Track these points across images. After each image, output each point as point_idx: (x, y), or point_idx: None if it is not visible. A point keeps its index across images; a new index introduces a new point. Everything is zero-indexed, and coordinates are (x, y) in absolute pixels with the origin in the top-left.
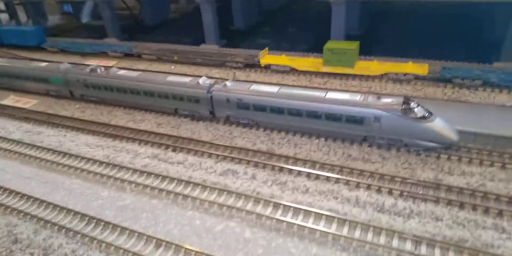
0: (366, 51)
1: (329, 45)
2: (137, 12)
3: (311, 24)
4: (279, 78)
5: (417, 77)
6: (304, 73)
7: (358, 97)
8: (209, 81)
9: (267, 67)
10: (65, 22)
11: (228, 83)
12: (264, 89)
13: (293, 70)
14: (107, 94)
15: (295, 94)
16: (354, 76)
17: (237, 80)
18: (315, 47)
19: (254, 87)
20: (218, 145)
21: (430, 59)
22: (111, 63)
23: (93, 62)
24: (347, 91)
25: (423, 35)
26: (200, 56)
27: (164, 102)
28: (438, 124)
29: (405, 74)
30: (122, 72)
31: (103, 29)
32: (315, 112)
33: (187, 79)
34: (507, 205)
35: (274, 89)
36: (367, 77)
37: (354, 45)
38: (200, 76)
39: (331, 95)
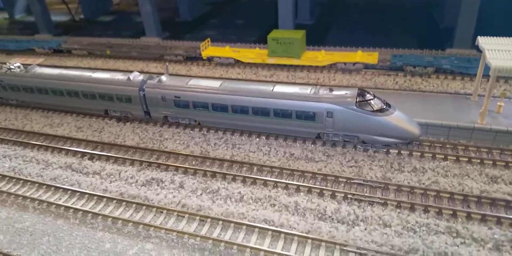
0: (317, 41)
1: (273, 34)
2: (76, 6)
3: (261, 16)
4: (222, 72)
5: (366, 67)
6: (250, 65)
7: (308, 90)
8: (141, 77)
9: (210, 59)
10: None
11: (163, 78)
12: (205, 83)
13: (238, 63)
14: (26, 96)
15: (240, 88)
16: (302, 68)
17: (175, 75)
18: (262, 40)
19: (194, 82)
20: (144, 149)
21: (381, 48)
22: (38, 60)
23: (18, 60)
24: (296, 83)
25: (375, 25)
26: (136, 50)
27: (91, 103)
28: (397, 118)
29: (354, 64)
30: (42, 70)
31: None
32: (262, 109)
33: (116, 75)
34: (461, 204)
35: (216, 83)
36: (315, 68)
37: (300, 34)
38: (132, 72)
39: (279, 88)
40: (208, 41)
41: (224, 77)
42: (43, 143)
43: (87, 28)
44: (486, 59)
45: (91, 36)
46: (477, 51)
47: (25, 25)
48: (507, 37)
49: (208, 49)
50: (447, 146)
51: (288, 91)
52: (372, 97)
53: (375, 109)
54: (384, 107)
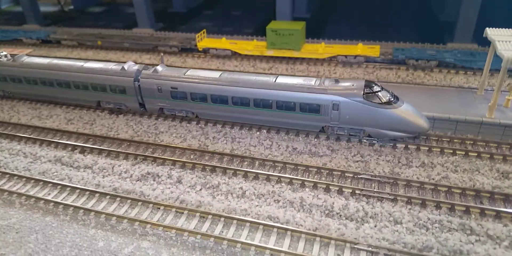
0: (314, 35)
1: (272, 25)
2: None
3: (257, 8)
4: (219, 64)
5: (368, 60)
6: (248, 57)
7: (313, 82)
8: (136, 67)
9: (206, 51)
10: None
11: (159, 68)
12: (203, 74)
13: (235, 55)
14: (14, 87)
15: (240, 79)
16: (301, 60)
17: (169, 66)
18: (259, 32)
19: (191, 72)
20: (138, 142)
21: (381, 41)
22: (26, 51)
23: (4, 50)
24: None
25: (374, 17)
26: (128, 40)
27: (83, 94)
28: (406, 110)
29: (355, 57)
30: (31, 59)
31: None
32: (264, 101)
33: (109, 65)
34: (474, 200)
35: (215, 74)
36: (315, 61)
37: (300, 26)
38: (126, 62)
39: (282, 79)
40: (204, 32)
41: (221, 69)
42: (31, 136)
43: (77, 18)
44: (497, 50)
45: (81, 27)
46: (479, 45)
47: (12, 15)
48: None
49: (204, 41)
50: (455, 140)
51: (291, 82)
52: (379, 89)
53: (383, 101)
54: (392, 99)
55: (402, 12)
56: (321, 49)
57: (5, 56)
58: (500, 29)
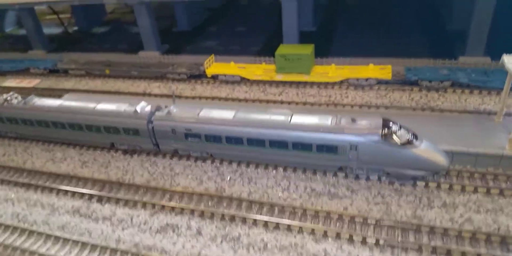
0: (321, 50)
1: (281, 50)
2: (68, 16)
3: (260, 21)
4: (229, 90)
5: (379, 81)
6: (257, 82)
7: (329, 121)
8: (148, 108)
9: (215, 77)
10: None
11: (172, 109)
12: (218, 115)
13: (244, 80)
14: (26, 129)
15: (255, 119)
16: (311, 84)
17: (179, 97)
18: (267, 49)
19: (205, 112)
20: (155, 189)
21: (390, 57)
22: (33, 82)
23: (12, 82)
24: (310, 106)
25: (381, 29)
26: (136, 68)
27: (96, 136)
28: (425, 149)
29: (367, 79)
30: (42, 101)
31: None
32: (280, 141)
33: (122, 107)
34: (500, 248)
35: (229, 114)
36: (325, 84)
37: (309, 49)
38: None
39: (297, 119)
40: (212, 58)
41: (230, 97)
42: (47, 184)
43: (82, 41)
44: None
45: (87, 51)
46: (492, 60)
47: (17, 39)
48: None
49: (213, 66)
50: (475, 175)
51: (307, 122)
52: (397, 128)
53: (402, 141)
54: (411, 139)
55: (410, 23)
56: (331, 71)
57: (16, 97)
58: None
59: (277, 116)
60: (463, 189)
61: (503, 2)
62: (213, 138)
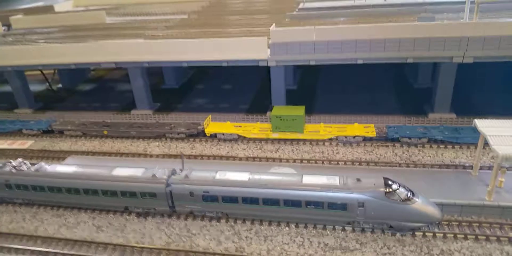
0: (305, 105)
1: (276, 112)
2: (52, 72)
3: (244, 79)
4: (228, 148)
5: (365, 138)
6: (254, 140)
7: (337, 181)
8: (166, 172)
9: (213, 135)
10: None
11: (188, 173)
12: (233, 177)
13: (240, 137)
14: (36, 195)
15: (269, 181)
16: (304, 141)
17: (188, 157)
18: (255, 107)
19: (220, 175)
20: (177, 251)
21: (365, 113)
22: (26, 143)
23: (3, 144)
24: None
25: (356, 88)
26: (134, 129)
27: (110, 200)
28: (422, 204)
29: (354, 137)
30: (54, 167)
31: (13, 96)
32: (294, 200)
33: (139, 172)
34: None
35: (244, 176)
36: (317, 141)
37: (302, 111)
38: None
39: (308, 179)
40: (209, 118)
41: (231, 155)
42: (65, 251)
43: (69, 99)
44: (490, 145)
45: (76, 110)
46: (457, 116)
47: (1, 95)
48: (504, 120)
49: (210, 126)
50: (463, 223)
51: (318, 183)
52: (397, 187)
53: (402, 198)
54: (410, 195)
55: (383, 82)
56: (321, 130)
57: (24, 163)
58: (488, 120)
59: (289, 177)
60: (455, 236)
61: (462, 69)
62: (230, 199)
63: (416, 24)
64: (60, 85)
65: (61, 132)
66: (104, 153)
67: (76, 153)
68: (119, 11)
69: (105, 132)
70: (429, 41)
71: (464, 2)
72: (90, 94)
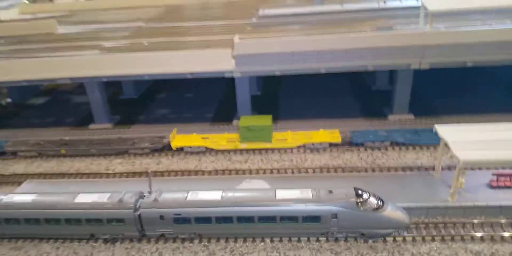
0: (269, 109)
1: (244, 122)
2: None
3: (205, 87)
4: (196, 162)
5: (331, 144)
6: (222, 151)
7: (310, 194)
8: (133, 196)
9: (179, 149)
10: None
11: (157, 196)
12: (205, 197)
13: (208, 149)
14: None
15: (243, 198)
16: (273, 150)
17: (151, 173)
18: (220, 116)
19: (192, 196)
20: None
21: (328, 117)
22: None
23: None
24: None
25: (313, 89)
26: (94, 146)
27: (75, 229)
28: (391, 211)
29: (320, 143)
30: (10, 197)
31: None
32: (268, 216)
33: (104, 197)
34: None
35: (216, 195)
36: (285, 149)
37: (269, 121)
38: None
39: (282, 194)
40: (175, 131)
41: (199, 169)
42: None
43: (21, 114)
44: (451, 152)
45: (29, 126)
46: (415, 116)
47: None
48: (463, 124)
49: (176, 139)
50: (430, 225)
51: (292, 197)
52: (367, 196)
53: (373, 207)
54: (379, 203)
55: (343, 85)
56: (289, 138)
57: None
58: (448, 126)
59: (262, 193)
60: (423, 239)
61: (419, 73)
62: (203, 220)
63: (375, 34)
64: (9, 100)
65: (14, 153)
66: (63, 175)
67: (33, 176)
68: (71, 19)
69: (63, 151)
70: (388, 50)
71: (419, 8)
72: (44, 108)
